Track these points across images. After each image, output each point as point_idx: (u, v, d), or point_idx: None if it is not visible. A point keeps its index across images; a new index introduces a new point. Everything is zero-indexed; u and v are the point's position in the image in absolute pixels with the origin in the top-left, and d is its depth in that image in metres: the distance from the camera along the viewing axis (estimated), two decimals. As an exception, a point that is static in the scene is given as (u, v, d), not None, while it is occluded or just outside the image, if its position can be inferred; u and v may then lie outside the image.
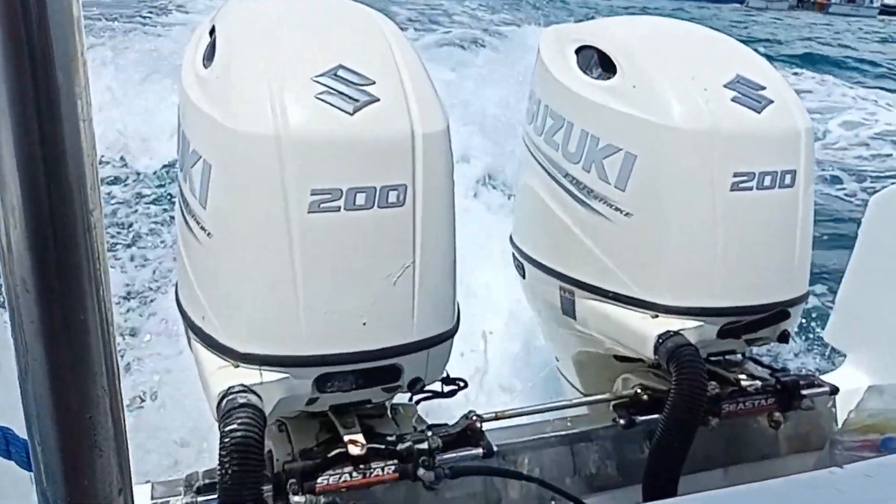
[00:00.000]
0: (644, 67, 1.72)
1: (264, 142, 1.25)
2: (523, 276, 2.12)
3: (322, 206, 1.26)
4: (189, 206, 1.40)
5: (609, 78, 1.77)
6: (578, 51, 1.89)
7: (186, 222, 1.43)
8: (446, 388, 1.59)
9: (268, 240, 1.28)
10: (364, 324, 1.32)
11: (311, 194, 1.25)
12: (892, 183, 2.25)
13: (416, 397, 1.55)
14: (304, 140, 1.25)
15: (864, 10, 74.20)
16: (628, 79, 1.72)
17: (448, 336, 1.46)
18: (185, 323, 1.49)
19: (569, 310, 1.90)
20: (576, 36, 1.94)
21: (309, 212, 1.26)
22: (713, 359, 1.82)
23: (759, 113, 1.63)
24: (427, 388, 1.51)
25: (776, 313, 1.70)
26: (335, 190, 1.26)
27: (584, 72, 1.84)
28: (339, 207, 1.27)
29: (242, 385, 1.28)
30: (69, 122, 0.59)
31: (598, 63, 1.83)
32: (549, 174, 1.90)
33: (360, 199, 1.28)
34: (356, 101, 1.29)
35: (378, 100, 1.31)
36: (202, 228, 1.36)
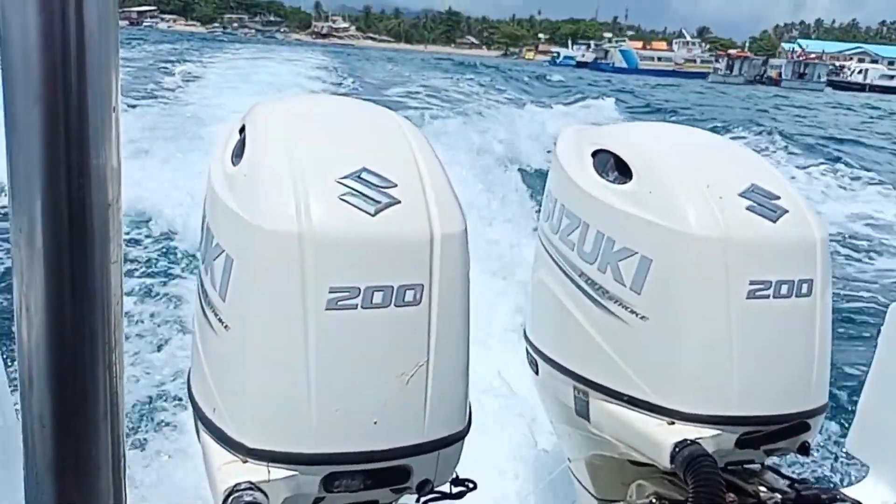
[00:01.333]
0: (660, 174, 1.76)
1: (287, 239, 1.29)
2: (536, 373, 2.11)
3: (340, 303, 1.28)
4: (208, 298, 1.43)
5: (625, 182, 1.81)
6: (595, 154, 1.94)
7: (204, 313, 1.45)
8: (455, 490, 1.56)
9: (284, 335, 1.30)
10: (375, 423, 1.31)
11: (330, 292, 1.28)
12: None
13: (423, 499, 1.52)
14: (326, 238, 1.29)
15: (812, 84, 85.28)
16: (644, 184, 1.76)
17: (459, 437, 1.44)
18: (195, 414, 1.49)
19: (582, 411, 1.87)
20: (592, 139, 2.00)
21: (326, 309, 1.28)
22: (731, 468, 1.77)
23: (775, 222, 1.65)
24: (435, 488, 1.48)
25: (795, 425, 1.66)
26: (353, 288, 1.28)
27: (601, 175, 1.89)
28: (357, 305, 1.29)
29: (249, 482, 1.27)
30: (101, 266, 0.62)
31: (615, 167, 1.87)
32: (563, 272, 1.91)
33: (378, 297, 1.30)
34: (378, 202, 1.33)
35: (399, 202, 1.34)
36: (220, 320, 1.38)
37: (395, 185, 1.36)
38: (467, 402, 1.48)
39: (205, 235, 1.50)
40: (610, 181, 1.86)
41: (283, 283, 1.29)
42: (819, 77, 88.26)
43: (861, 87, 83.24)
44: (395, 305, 1.31)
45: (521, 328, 2.28)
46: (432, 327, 1.34)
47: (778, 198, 1.70)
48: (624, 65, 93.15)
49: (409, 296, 1.32)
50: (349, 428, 1.30)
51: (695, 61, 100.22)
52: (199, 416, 1.45)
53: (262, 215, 1.32)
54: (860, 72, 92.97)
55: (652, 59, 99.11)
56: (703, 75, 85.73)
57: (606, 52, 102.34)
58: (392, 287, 1.30)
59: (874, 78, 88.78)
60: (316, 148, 1.44)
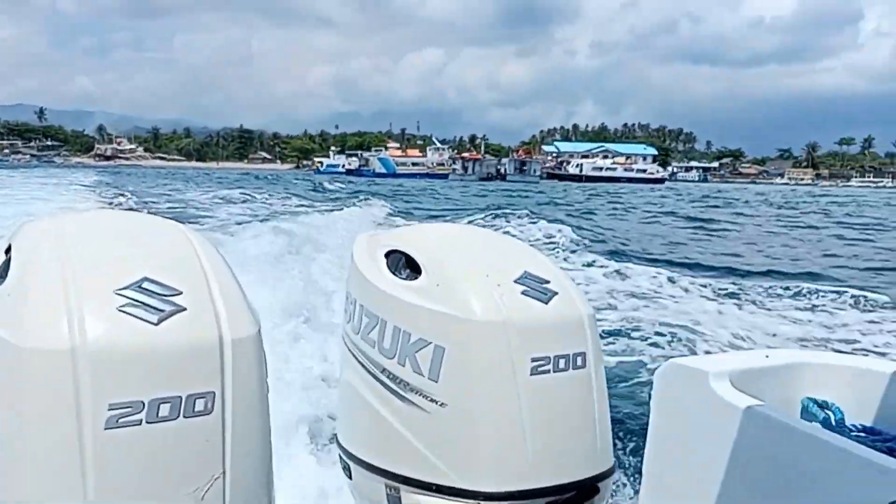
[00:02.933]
0: (445, 268, 1.89)
1: (58, 357, 1.19)
2: (350, 478, 2.07)
3: (121, 420, 1.20)
4: None
5: (416, 278, 1.92)
6: (388, 255, 2.05)
7: None
8: None
9: (58, 462, 1.17)
10: None
11: (109, 409, 1.19)
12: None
13: None
14: (102, 353, 1.21)
15: (529, 176, 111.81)
16: (432, 278, 1.88)
17: None
18: None
19: None
20: (385, 241, 2.11)
21: (106, 428, 1.19)
22: None
23: (547, 304, 1.83)
24: None
25: (587, 490, 1.79)
26: (136, 402, 1.21)
27: (394, 273, 1.99)
28: (141, 420, 1.21)
29: None
30: None
31: (406, 265, 1.98)
32: (367, 371, 1.95)
33: (164, 409, 1.23)
34: (161, 311, 1.29)
35: (185, 309, 1.31)
36: None
37: (180, 293, 1.33)
38: None
39: None
40: (403, 278, 1.96)
41: (54, 406, 1.18)
42: (535, 171, 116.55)
43: (578, 178, 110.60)
44: (185, 416, 1.24)
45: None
46: (227, 436, 1.29)
47: (548, 282, 1.89)
48: (383, 170, 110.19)
49: (200, 405, 1.26)
50: None
51: (444, 164, 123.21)
52: None
53: (29, 335, 1.22)
54: (577, 166, 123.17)
55: (406, 164, 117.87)
56: (445, 176, 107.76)
57: (367, 160, 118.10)
58: (180, 397, 1.24)
59: (588, 170, 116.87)
60: (91, 261, 1.36)
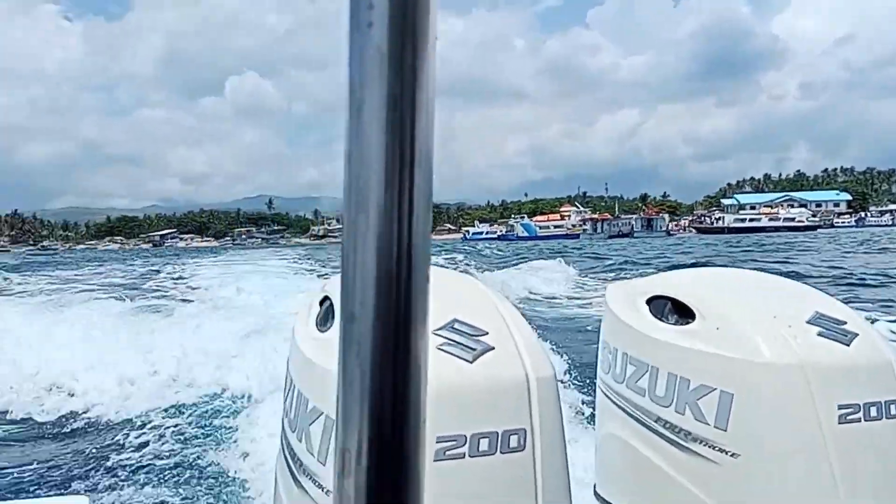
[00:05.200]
0: (723, 311, 1.81)
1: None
2: None
3: (447, 453, 1.27)
4: (303, 466, 1.41)
5: (687, 323, 1.85)
6: (649, 301, 2.00)
7: (297, 481, 1.41)
8: None
9: None
10: None
11: (437, 441, 1.27)
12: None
13: None
14: (430, 389, 1.30)
15: (655, 232, 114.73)
16: (710, 322, 1.80)
17: None
18: None
19: None
20: (643, 289, 2.07)
21: (435, 460, 1.26)
22: None
23: (848, 346, 1.67)
24: None
25: None
26: (460, 436, 1.28)
27: (660, 319, 1.94)
28: (464, 454, 1.27)
29: None
30: None
31: (673, 310, 1.93)
32: (637, 420, 1.89)
33: (484, 444, 1.28)
34: (473, 349, 1.36)
35: (493, 348, 1.38)
36: (319, 486, 1.35)
37: (486, 333, 1.41)
38: None
39: (294, 400, 1.50)
40: (672, 324, 1.90)
41: None
42: (660, 227, 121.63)
43: (721, 230, 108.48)
44: (501, 452, 1.29)
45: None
46: (538, 473, 1.32)
47: (844, 323, 1.73)
48: (525, 234, 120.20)
49: (514, 441, 1.30)
50: None
51: (582, 225, 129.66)
52: None
53: None
54: (718, 218, 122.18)
55: (549, 227, 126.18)
56: (577, 236, 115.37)
57: (512, 226, 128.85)
58: (497, 433, 1.29)
59: (729, 222, 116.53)
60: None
